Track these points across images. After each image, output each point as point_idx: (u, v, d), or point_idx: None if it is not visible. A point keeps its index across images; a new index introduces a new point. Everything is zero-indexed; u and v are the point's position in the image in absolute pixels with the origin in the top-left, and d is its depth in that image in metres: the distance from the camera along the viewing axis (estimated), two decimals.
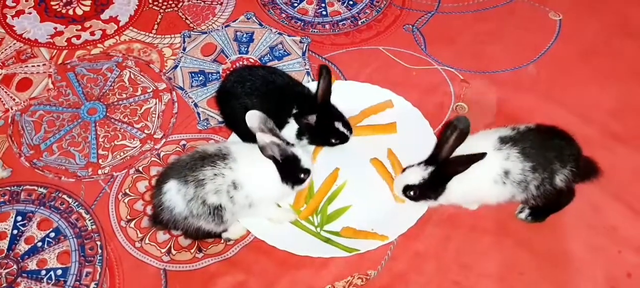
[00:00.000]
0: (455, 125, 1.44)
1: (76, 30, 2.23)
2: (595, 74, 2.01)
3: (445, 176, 1.51)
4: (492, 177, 1.49)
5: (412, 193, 1.56)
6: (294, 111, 1.70)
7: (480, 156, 1.42)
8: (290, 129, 1.73)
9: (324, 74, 1.66)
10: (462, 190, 1.52)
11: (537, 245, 1.61)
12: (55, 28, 2.24)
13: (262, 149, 1.51)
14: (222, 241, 1.66)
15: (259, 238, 1.63)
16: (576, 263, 1.57)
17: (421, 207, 1.64)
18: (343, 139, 1.75)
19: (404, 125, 1.83)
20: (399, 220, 1.63)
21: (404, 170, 1.59)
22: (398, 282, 1.58)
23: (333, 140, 1.75)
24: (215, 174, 1.51)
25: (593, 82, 1.99)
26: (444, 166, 1.49)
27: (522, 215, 1.65)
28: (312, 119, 1.66)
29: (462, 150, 1.47)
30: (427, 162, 1.53)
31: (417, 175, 1.53)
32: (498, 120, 1.60)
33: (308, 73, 2.06)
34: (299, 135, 1.74)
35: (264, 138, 1.49)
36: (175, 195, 1.51)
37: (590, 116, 1.89)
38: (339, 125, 1.73)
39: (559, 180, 1.51)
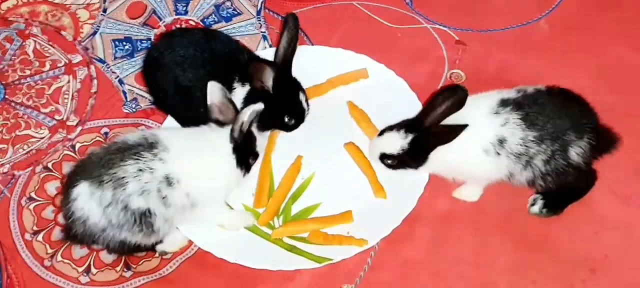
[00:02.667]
0: (452, 92, 1.37)
1: None
2: (618, 28, 1.86)
3: (427, 146, 1.46)
4: (483, 145, 1.42)
5: (389, 162, 1.51)
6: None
7: (462, 127, 1.38)
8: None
9: (290, 24, 1.53)
10: (443, 159, 1.46)
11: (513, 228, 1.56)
12: None
13: (235, 125, 1.44)
14: (157, 255, 1.53)
15: (203, 249, 1.50)
16: (553, 246, 1.52)
17: (408, 204, 1.51)
18: (299, 117, 1.60)
19: (386, 99, 1.69)
20: (381, 220, 1.50)
21: (381, 133, 1.53)
22: None
23: (287, 119, 1.59)
24: (140, 169, 1.36)
25: (616, 37, 1.84)
26: (427, 136, 1.44)
27: (535, 208, 1.54)
28: (269, 81, 1.50)
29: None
30: (408, 129, 1.46)
31: (395, 144, 1.47)
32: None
33: (264, 37, 1.91)
34: None
35: (246, 112, 1.42)
36: (87, 202, 1.36)
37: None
38: (302, 97, 1.58)
39: (575, 154, 1.41)
